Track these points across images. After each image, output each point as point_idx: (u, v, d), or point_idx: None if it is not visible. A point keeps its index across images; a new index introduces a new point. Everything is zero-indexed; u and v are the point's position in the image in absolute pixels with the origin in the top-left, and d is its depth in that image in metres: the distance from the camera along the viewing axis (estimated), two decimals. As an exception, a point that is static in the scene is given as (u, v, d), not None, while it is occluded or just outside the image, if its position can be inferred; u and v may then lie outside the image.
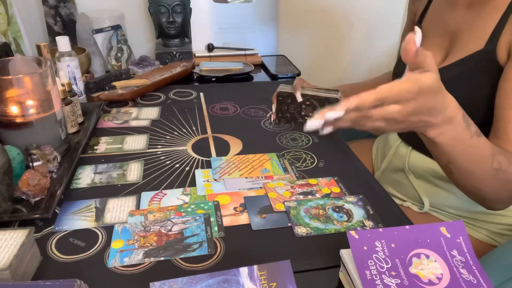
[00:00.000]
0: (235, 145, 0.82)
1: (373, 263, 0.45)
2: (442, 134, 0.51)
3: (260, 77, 1.22)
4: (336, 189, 0.68)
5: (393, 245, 0.47)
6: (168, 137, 0.84)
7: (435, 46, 0.78)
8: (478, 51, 0.67)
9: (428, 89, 0.46)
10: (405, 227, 0.48)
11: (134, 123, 0.90)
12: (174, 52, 1.25)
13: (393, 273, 0.44)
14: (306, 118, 0.88)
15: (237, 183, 0.69)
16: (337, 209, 0.63)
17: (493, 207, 0.63)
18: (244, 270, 0.45)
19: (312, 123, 0.49)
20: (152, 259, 0.53)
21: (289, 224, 0.60)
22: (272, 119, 0.91)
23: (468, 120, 0.53)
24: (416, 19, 0.88)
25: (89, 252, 0.54)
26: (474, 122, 0.67)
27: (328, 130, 0.51)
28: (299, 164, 0.76)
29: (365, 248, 0.46)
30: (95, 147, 0.79)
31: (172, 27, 1.22)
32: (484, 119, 0.66)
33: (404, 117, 0.47)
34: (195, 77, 1.19)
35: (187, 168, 0.73)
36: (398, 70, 0.83)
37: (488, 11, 0.67)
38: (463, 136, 0.53)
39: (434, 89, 0.47)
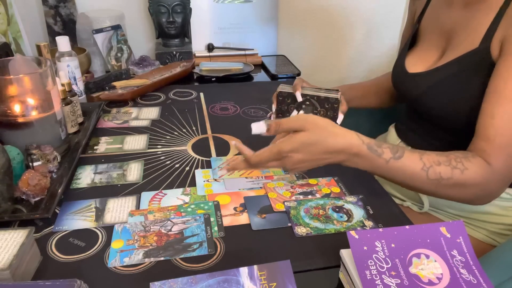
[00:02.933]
0: (235, 145, 0.82)
1: (373, 263, 0.45)
2: (356, 164, 0.59)
3: (260, 77, 1.22)
4: (336, 189, 0.68)
5: (393, 245, 0.47)
6: (168, 137, 0.84)
7: (432, 45, 0.78)
8: (473, 50, 0.67)
9: (298, 146, 0.55)
10: (405, 227, 0.48)
11: (134, 123, 0.90)
12: (174, 52, 1.24)
13: (393, 273, 0.44)
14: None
15: (237, 183, 0.69)
16: (337, 209, 0.63)
17: (471, 204, 0.65)
18: (244, 270, 0.45)
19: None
20: (152, 259, 0.53)
21: (289, 224, 0.60)
22: (272, 119, 0.91)
23: (378, 150, 0.58)
24: (415, 19, 0.88)
25: (89, 252, 0.54)
26: (469, 121, 0.68)
27: None
28: (299, 164, 0.76)
29: (365, 248, 0.46)
30: (95, 147, 0.79)
31: (172, 27, 1.22)
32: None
33: (292, 166, 0.57)
34: (195, 77, 1.19)
35: (187, 168, 0.73)
36: (397, 70, 0.83)
37: (482, 10, 0.67)
38: (378, 164, 0.58)
39: (307, 143, 0.55)
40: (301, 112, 0.85)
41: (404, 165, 0.58)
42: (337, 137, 0.56)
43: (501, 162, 0.59)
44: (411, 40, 0.84)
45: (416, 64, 0.79)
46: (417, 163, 0.58)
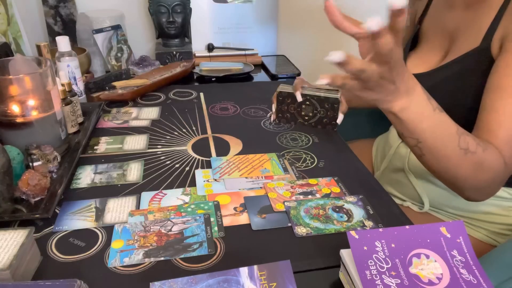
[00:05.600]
0: (235, 145, 0.82)
1: (373, 263, 0.45)
2: (405, 108, 0.54)
3: (260, 77, 1.22)
4: (336, 189, 0.68)
5: (393, 245, 0.47)
6: (168, 137, 0.84)
7: (435, 46, 0.78)
8: (474, 48, 0.67)
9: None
10: (405, 227, 0.48)
11: (134, 123, 0.90)
12: (174, 52, 1.24)
13: (393, 273, 0.44)
14: (306, 118, 0.88)
15: (237, 183, 0.69)
16: (337, 209, 0.63)
17: (471, 197, 0.64)
18: (244, 270, 0.45)
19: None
20: (152, 259, 0.53)
21: (289, 224, 0.60)
22: (272, 119, 0.91)
23: (427, 93, 0.55)
24: (416, 20, 0.88)
25: (89, 252, 0.54)
26: (471, 119, 0.68)
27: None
28: (299, 164, 0.76)
29: (365, 248, 0.46)
30: (95, 147, 0.79)
31: (172, 27, 1.22)
32: None
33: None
34: (195, 77, 1.19)
35: (187, 168, 0.73)
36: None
37: (484, 10, 0.68)
38: (427, 109, 0.55)
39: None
40: (302, 113, 0.85)
41: (445, 119, 0.56)
42: (407, 69, 0.54)
43: (509, 155, 0.59)
44: (412, 41, 0.84)
45: (418, 65, 0.79)
46: (452, 124, 0.57)
